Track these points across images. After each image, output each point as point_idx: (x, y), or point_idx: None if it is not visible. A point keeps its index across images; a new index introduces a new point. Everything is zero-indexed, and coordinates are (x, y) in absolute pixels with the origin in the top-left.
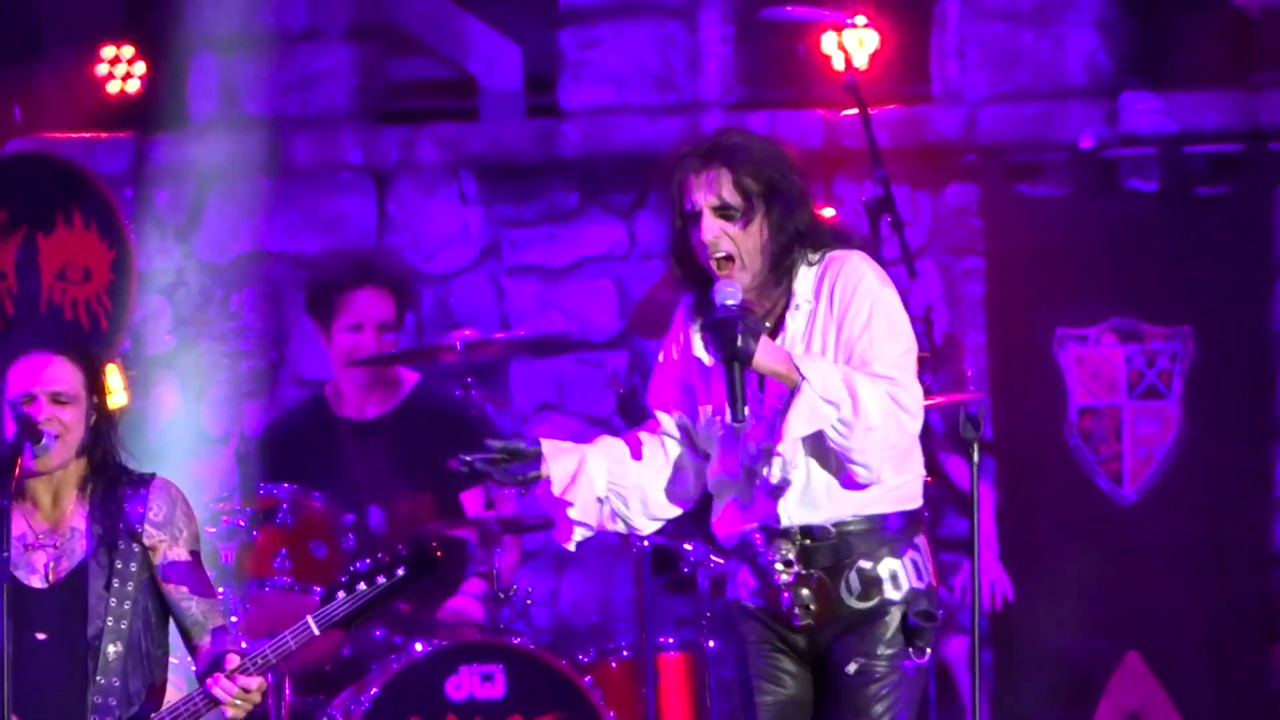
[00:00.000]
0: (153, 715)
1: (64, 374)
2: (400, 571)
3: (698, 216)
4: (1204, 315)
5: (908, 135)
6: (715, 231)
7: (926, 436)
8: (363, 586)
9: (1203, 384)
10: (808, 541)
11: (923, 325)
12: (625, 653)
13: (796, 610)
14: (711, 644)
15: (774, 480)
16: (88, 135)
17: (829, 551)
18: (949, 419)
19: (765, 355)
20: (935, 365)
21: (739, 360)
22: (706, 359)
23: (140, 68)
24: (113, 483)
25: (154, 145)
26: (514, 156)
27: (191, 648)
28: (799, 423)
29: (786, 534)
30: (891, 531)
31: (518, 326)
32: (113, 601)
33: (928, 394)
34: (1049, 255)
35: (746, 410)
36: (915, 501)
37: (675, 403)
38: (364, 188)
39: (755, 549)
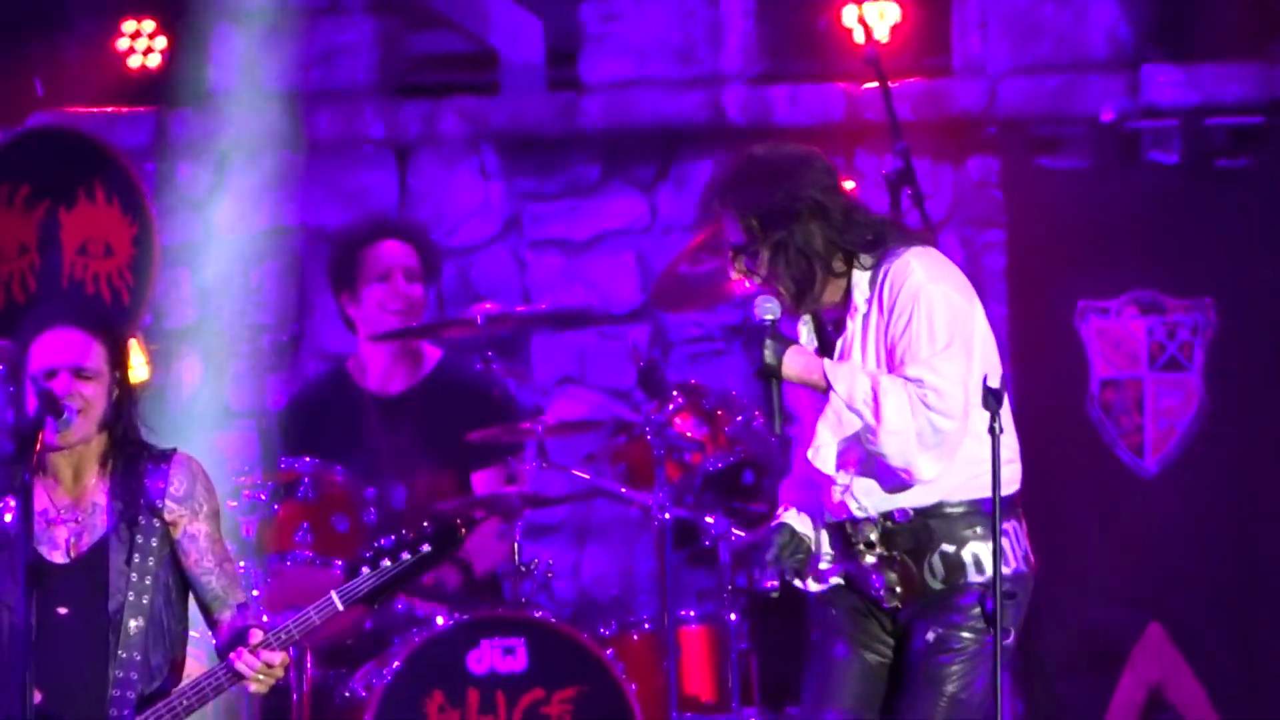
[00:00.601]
0: (174, 689)
1: (87, 349)
2: (425, 548)
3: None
4: (1225, 287)
5: (929, 108)
6: (736, 272)
7: None
8: (387, 563)
9: (1224, 356)
10: (889, 524)
11: None
12: (647, 626)
13: (883, 592)
14: (733, 617)
15: (835, 478)
16: (109, 109)
17: (909, 535)
18: None
19: (795, 367)
20: None
21: (765, 376)
22: None
23: (161, 42)
24: (133, 458)
25: (175, 119)
26: (535, 130)
27: (211, 622)
28: (826, 431)
29: (870, 519)
30: (979, 515)
31: (539, 300)
32: (133, 576)
33: None
34: (1070, 228)
35: (779, 424)
36: (1008, 486)
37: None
38: (385, 162)
39: (846, 531)
